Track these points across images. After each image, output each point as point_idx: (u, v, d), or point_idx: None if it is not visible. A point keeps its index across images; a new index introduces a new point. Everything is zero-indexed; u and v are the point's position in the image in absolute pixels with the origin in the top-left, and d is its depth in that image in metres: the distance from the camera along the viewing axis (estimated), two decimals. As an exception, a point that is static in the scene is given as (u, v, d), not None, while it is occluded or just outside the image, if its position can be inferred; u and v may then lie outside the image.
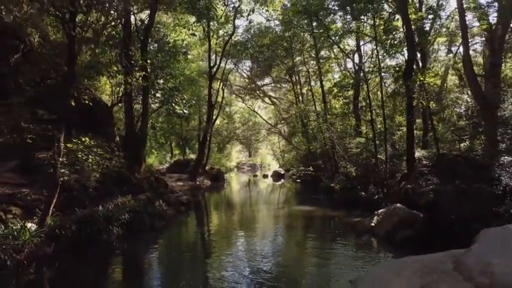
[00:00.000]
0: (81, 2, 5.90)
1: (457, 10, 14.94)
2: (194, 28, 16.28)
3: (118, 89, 16.11)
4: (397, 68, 11.66)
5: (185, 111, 13.65)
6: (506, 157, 7.86)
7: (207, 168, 23.74)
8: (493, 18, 13.67)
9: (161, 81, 13.72)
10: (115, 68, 9.51)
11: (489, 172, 7.52)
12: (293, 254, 7.41)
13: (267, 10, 18.83)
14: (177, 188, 15.39)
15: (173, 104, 13.56)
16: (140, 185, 10.84)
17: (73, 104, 6.70)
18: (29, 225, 6.29)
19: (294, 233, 9.41)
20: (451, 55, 20.24)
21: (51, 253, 6.30)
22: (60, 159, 6.41)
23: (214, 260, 6.77)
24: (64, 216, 7.15)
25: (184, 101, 14.63)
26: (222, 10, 18.76)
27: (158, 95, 13.97)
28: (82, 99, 7.18)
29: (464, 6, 12.02)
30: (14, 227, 6.03)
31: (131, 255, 7.31)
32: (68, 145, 7.09)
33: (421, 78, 11.68)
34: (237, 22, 21.09)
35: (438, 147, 12.09)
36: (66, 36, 6.18)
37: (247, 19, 20.71)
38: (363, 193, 12.26)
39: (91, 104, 7.99)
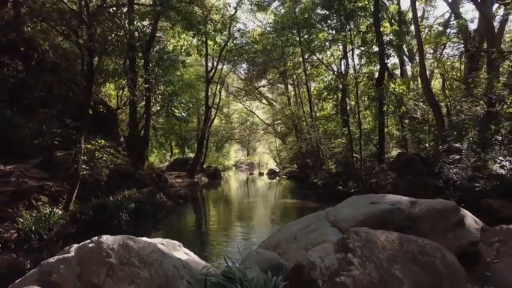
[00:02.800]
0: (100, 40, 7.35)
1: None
2: (192, 39, 17.69)
3: (122, 93, 17.61)
4: (371, 76, 13.17)
5: (183, 114, 15.17)
6: (451, 155, 9.37)
7: (204, 166, 25.25)
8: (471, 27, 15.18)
9: (162, 87, 15.22)
10: (123, 82, 11.01)
11: (434, 168, 9.03)
12: (273, 230, 8.98)
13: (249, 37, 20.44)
14: (176, 184, 16.91)
15: (173, 108, 15.09)
16: (144, 180, 12.36)
17: (90, 112, 8.23)
18: (56, 210, 7.80)
19: (276, 218, 11.02)
20: (432, 61, 21.73)
21: (74, 232, 7.81)
22: (82, 157, 7.92)
23: (210, 234, 8.39)
24: (82, 204, 8.68)
25: (182, 105, 16.16)
26: (217, 20, 20.24)
27: (158, 99, 15.48)
28: (98, 109, 8.72)
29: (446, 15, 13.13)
30: (44, 212, 7.54)
31: (138, 235, 8.83)
32: (88, 146, 8.62)
33: (393, 86, 13.22)
34: (232, 28, 22.41)
35: (407, 147, 13.64)
36: (87, 65, 7.68)
37: (229, 40, 22.11)
38: (340, 187, 13.75)
39: (105, 112, 9.51)
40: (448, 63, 20.01)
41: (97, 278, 2.45)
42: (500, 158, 8.98)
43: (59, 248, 7.01)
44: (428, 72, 25.55)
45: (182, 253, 3.29)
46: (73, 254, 2.69)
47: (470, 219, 4.88)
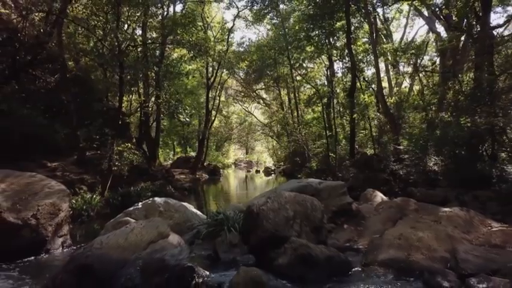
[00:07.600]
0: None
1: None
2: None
3: (132, 97, 20.23)
4: (345, 88, 15.74)
5: (187, 119, 17.78)
6: (401, 155, 11.97)
7: (205, 164, 27.88)
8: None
9: (168, 96, 17.78)
10: (142, 98, 13.61)
11: (381, 165, 11.63)
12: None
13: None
14: (181, 179, 19.54)
15: (178, 114, 17.71)
16: (156, 175, 15.00)
17: (120, 123, 10.85)
18: (94, 196, 10.42)
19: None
20: (407, 68, 24.29)
21: (108, 212, 10.41)
22: (115, 156, 10.55)
23: (211, 207, 10.97)
24: (112, 192, 11.30)
25: (186, 111, 18.77)
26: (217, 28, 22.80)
27: (166, 107, 18.07)
28: (124, 120, 11.31)
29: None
30: (87, 197, 10.16)
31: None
32: (119, 148, 11.24)
33: (363, 97, 15.78)
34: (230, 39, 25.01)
35: (375, 148, 16.23)
36: (119, 90, 10.30)
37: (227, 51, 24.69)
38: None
39: (130, 121, 12.10)
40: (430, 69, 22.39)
41: (154, 216, 5.05)
42: (435, 158, 11.59)
43: (99, 222, 9.69)
44: (409, 78, 28.10)
45: (194, 210, 5.92)
46: (141, 206, 5.32)
47: (379, 196, 7.52)
